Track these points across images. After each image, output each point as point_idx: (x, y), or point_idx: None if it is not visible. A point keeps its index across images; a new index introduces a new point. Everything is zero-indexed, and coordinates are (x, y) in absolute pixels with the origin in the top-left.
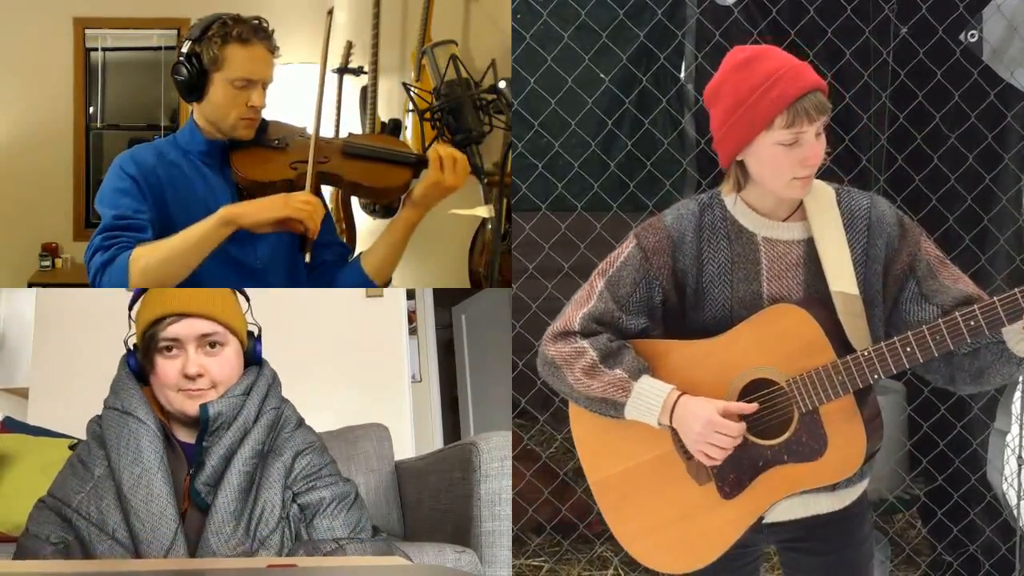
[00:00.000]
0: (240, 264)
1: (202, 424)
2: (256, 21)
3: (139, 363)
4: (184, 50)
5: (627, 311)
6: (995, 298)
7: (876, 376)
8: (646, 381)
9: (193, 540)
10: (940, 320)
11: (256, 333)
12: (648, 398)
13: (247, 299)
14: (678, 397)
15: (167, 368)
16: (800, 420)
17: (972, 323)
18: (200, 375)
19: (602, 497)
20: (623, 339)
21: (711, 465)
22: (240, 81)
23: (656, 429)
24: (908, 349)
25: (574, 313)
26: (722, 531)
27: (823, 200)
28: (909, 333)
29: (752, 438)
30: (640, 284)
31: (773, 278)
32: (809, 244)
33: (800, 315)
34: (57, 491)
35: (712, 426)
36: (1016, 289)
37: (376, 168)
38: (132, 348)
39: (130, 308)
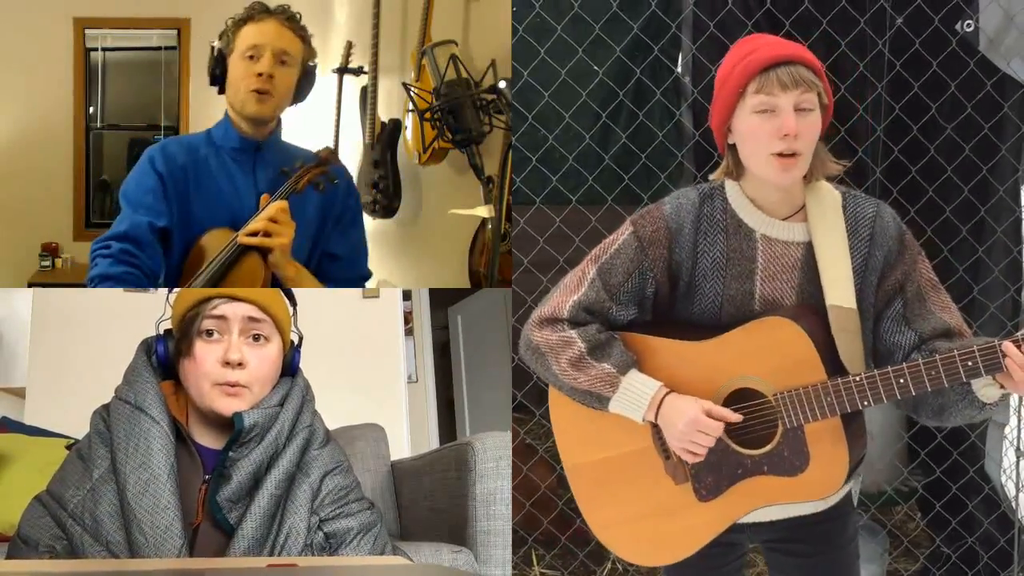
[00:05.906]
0: None
1: (235, 434)
2: (278, 6)
3: (168, 352)
4: (215, 44)
5: (617, 301)
6: (996, 341)
7: (866, 403)
8: (634, 376)
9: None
10: (938, 356)
11: (296, 342)
12: (635, 394)
13: (294, 304)
14: (665, 395)
15: (206, 353)
16: (784, 435)
17: (970, 363)
18: (241, 364)
19: (576, 481)
20: (611, 329)
21: (692, 463)
22: (249, 50)
23: (636, 423)
24: (901, 380)
25: (563, 300)
26: (695, 531)
27: (827, 203)
28: (904, 365)
29: (734, 446)
30: (633, 274)
31: (767, 279)
32: (808, 248)
33: (794, 331)
34: (54, 489)
35: (695, 425)
36: (1018, 334)
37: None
38: (163, 333)
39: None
